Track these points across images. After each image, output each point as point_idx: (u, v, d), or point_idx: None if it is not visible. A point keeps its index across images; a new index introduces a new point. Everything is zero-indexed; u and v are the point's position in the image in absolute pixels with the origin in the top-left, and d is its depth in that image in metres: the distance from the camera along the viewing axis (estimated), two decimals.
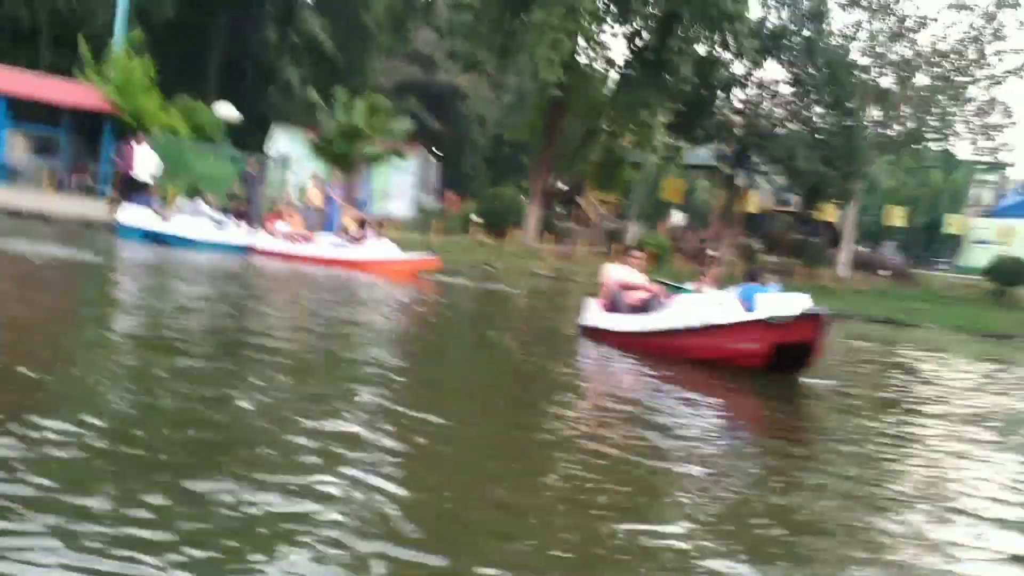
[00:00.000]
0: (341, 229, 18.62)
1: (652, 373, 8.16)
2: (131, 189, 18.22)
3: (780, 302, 8.37)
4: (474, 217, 28.46)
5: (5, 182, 21.81)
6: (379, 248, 16.62)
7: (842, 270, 31.50)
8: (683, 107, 30.08)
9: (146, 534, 2.96)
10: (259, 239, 16.71)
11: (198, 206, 16.62)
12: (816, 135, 30.39)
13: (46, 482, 3.31)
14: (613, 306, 9.99)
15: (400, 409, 5.24)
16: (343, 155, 25.13)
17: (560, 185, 39.87)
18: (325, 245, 16.79)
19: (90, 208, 19.13)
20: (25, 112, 22.21)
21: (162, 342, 6.67)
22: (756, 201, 37.12)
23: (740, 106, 32.84)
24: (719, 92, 32.13)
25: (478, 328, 11.72)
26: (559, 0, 25.38)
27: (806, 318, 7.97)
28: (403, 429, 4.73)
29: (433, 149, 45.74)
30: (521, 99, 33.54)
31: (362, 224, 18.15)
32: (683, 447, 5.29)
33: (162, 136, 21.75)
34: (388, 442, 4.44)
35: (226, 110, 24.70)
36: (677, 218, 48.39)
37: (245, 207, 18.22)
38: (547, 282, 24.12)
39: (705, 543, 3.52)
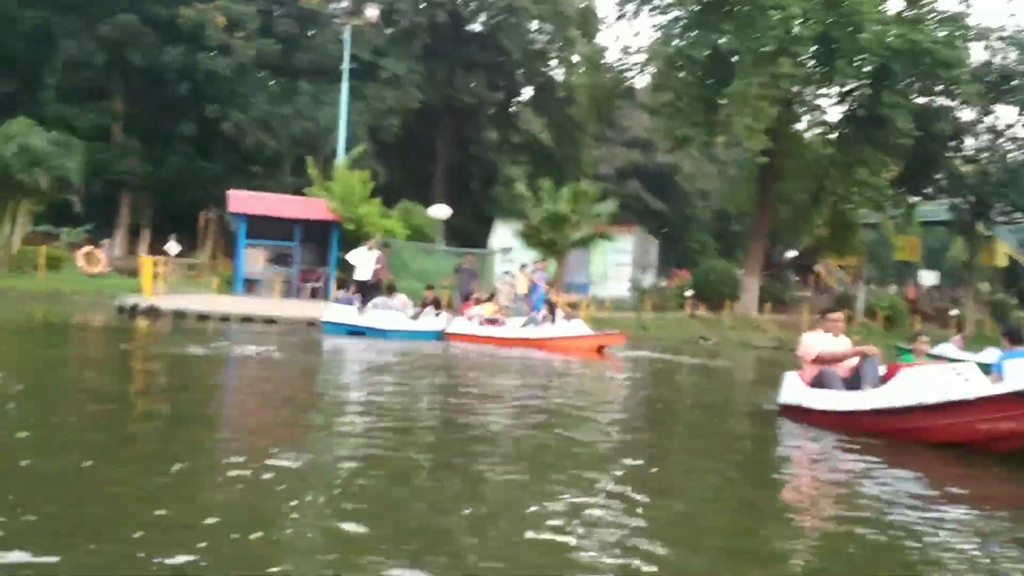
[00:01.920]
0: (544, 312, 19.09)
1: (876, 460, 6.89)
2: (363, 290, 19.64)
3: None
4: (687, 292, 28.11)
5: (244, 292, 24.33)
6: (564, 327, 16.98)
7: None
8: (909, 162, 28.48)
9: None
10: (453, 325, 17.52)
11: (388, 300, 17.72)
12: None
13: None
14: (818, 380, 8.69)
15: (637, 496, 5.17)
16: (550, 241, 25.87)
17: (789, 253, 38.62)
18: (514, 327, 17.34)
19: (312, 309, 20.71)
20: (263, 229, 24.78)
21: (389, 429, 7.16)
22: (1004, 252, 33.95)
23: (972, 154, 30.56)
24: (948, 143, 30.14)
25: (665, 405, 10.89)
26: (758, 70, 25.07)
27: None
28: (647, 509, 4.86)
29: (660, 229, 45.96)
30: (739, 169, 33.20)
31: (551, 308, 18.57)
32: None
33: (398, 240, 23.43)
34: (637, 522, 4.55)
35: (439, 211, 26.26)
36: (927, 278, 45.20)
37: (437, 297, 19.19)
38: (768, 353, 23.28)
39: None
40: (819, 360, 8.66)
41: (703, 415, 9.76)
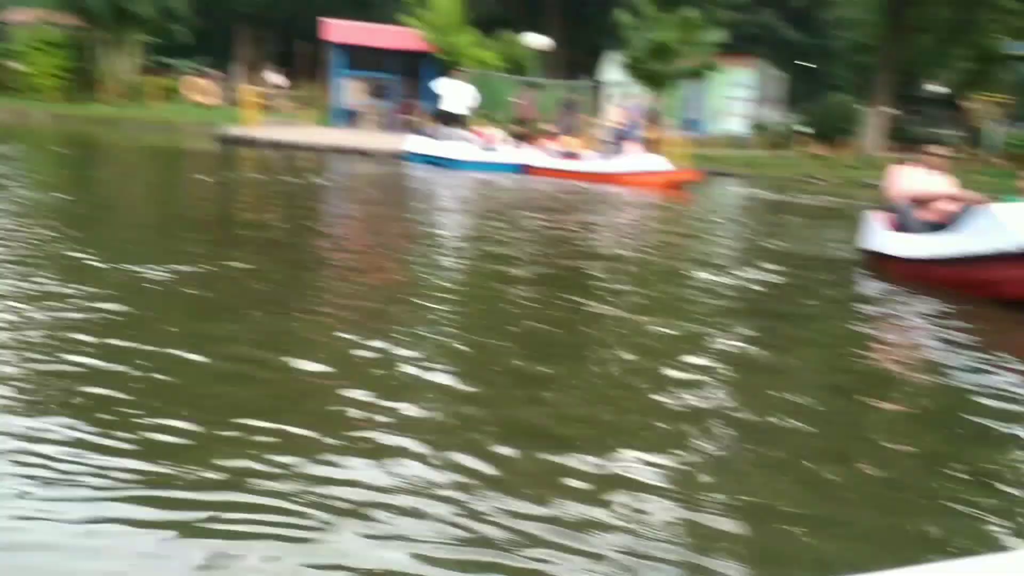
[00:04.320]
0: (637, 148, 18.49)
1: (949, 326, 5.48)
2: (446, 121, 19.48)
3: None
4: (800, 128, 26.45)
5: (345, 124, 24.47)
6: (639, 161, 16.41)
7: None
8: None
9: None
10: (530, 157, 17.28)
11: (461, 132, 17.64)
12: None
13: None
14: (902, 223, 7.44)
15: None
16: (654, 73, 24.66)
17: (932, 88, 35.70)
18: (590, 161, 16.99)
19: (401, 142, 20.69)
20: (361, 59, 24.61)
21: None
22: None
23: None
24: None
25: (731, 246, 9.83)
26: None
27: None
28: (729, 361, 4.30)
29: (794, 61, 43.09)
30: None
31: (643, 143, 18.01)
32: None
33: (474, 71, 22.82)
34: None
35: (536, 40, 25.29)
36: None
37: (525, 131, 18.81)
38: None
39: None
40: (914, 200, 7.42)
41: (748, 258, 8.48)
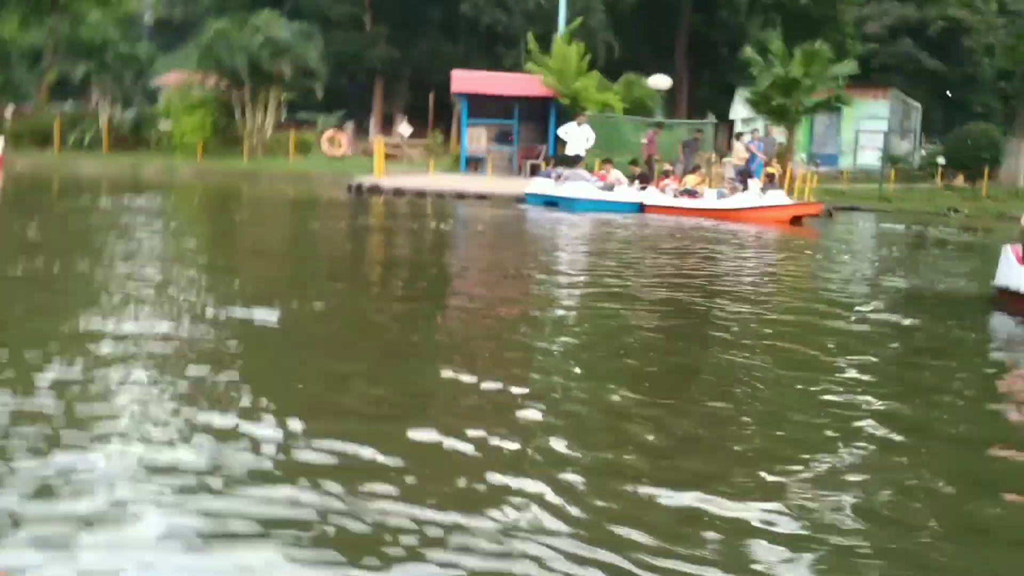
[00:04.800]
0: (762, 183, 18.21)
1: None
2: (567, 163, 19.81)
3: None
4: (939, 160, 25.31)
5: (468, 171, 25.07)
6: (757, 197, 16.17)
7: None
8: None
9: None
10: (647, 196, 17.30)
11: (580, 172, 17.84)
12: None
13: None
14: None
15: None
16: (781, 108, 24.21)
17: None
18: (709, 198, 16.86)
19: (522, 185, 20.99)
20: (484, 107, 25.20)
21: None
22: None
23: None
24: None
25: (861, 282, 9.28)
26: None
27: None
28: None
29: (936, 92, 41.41)
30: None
31: (771, 179, 17.79)
32: None
33: (595, 114, 23.01)
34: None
35: (657, 81, 25.25)
36: None
37: (644, 172, 18.88)
38: None
39: None
40: None
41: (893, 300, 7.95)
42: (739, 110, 32.54)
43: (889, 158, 28.96)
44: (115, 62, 28.83)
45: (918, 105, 35.43)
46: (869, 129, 31.49)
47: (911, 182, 25.83)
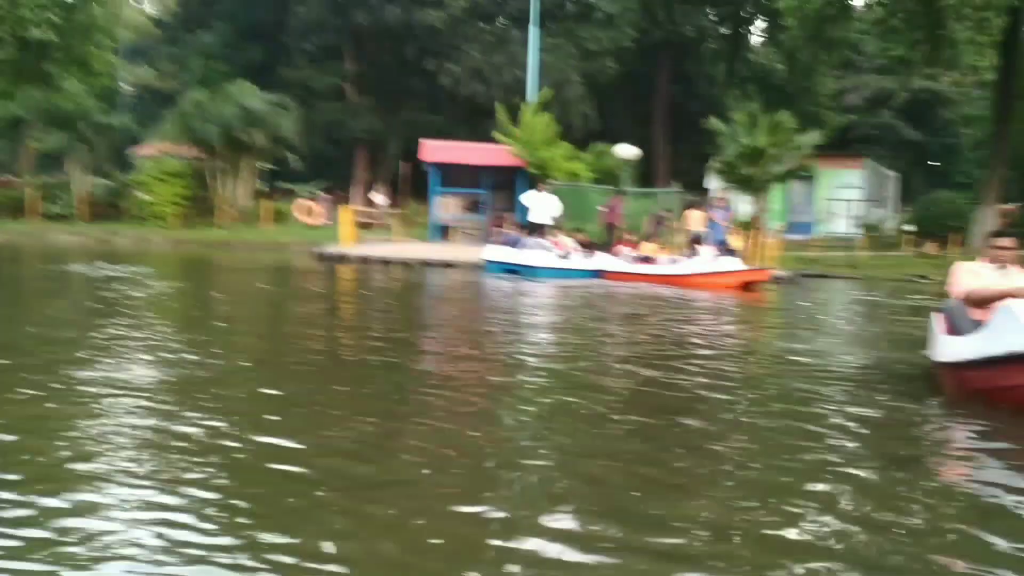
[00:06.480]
0: (722, 250, 18.31)
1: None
2: (532, 231, 19.97)
3: None
4: (906, 227, 25.44)
5: (441, 238, 25.25)
6: (708, 263, 16.35)
7: None
8: None
9: None
10: (604, 263, 17.60)
11: (540, 241, 17.97)
12: None
13: None
14: (953, 325, 6.45)
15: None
16: (747, 177, 24.45)
17: None
18: (661, 264, 17.15)
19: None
20: (457, 177, 25.55)
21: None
22: None
23: None
24: None
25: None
26: None
27: None
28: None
29: (915, 161, 41.93)
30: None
31: (728, 249, 17.97)
32: None
33: (561, 183, 23.26)
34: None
35: (624, 151, 25.56)
36: None
37: (589, 240, 19.27)
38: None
39: None
40: (968, 299, 6.41)
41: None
42: (713, 179, 32.85)
43: (864, 225, 29.16)
44: (91, 132, 29.18)
45: (892, 174, 35.76)
46: (843, 198, 31.76)
47: (884, 249, 25.90)
